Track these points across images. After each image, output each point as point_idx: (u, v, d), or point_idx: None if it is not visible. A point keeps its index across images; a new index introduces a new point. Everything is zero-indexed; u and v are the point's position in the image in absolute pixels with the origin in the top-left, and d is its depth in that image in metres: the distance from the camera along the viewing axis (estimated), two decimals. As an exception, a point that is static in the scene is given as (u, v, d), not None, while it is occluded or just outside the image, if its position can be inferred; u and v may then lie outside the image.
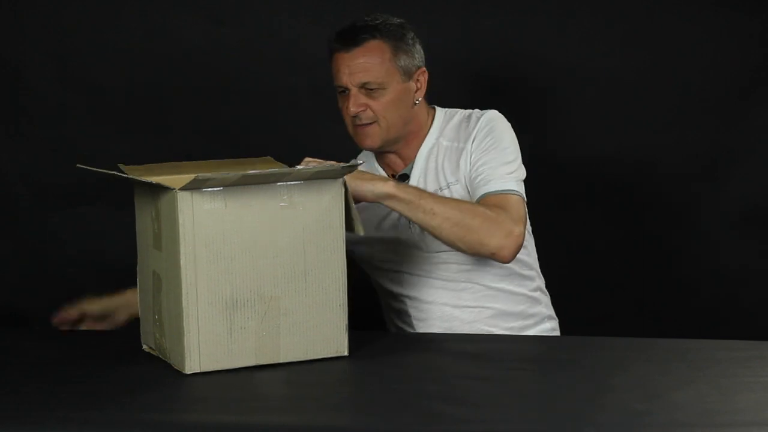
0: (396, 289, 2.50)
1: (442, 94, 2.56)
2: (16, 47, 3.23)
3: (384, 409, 1.77)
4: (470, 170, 2.40)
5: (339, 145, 3.23)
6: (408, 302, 2.49)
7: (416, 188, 2.28)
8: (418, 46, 2.45)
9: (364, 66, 2.37)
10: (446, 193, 2.41)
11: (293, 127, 3.31)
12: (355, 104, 2.38)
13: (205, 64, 3.27)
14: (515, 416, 1.73)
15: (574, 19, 3.22)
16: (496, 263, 2.39)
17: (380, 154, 2.53)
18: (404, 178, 2.46)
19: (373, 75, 2.37)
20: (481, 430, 1.66)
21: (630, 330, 2.39)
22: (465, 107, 2.53)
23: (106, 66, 3.24)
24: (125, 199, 3.35)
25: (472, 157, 2.40)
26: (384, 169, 2.51)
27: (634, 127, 3.26)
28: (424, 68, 2.46)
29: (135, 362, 2.09)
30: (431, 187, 2.42)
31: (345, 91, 2.40)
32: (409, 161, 2.48)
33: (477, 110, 2.48)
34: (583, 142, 3.25)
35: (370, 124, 2.40)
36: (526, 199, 2.37)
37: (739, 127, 3.25)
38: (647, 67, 3.24)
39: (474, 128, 2.42)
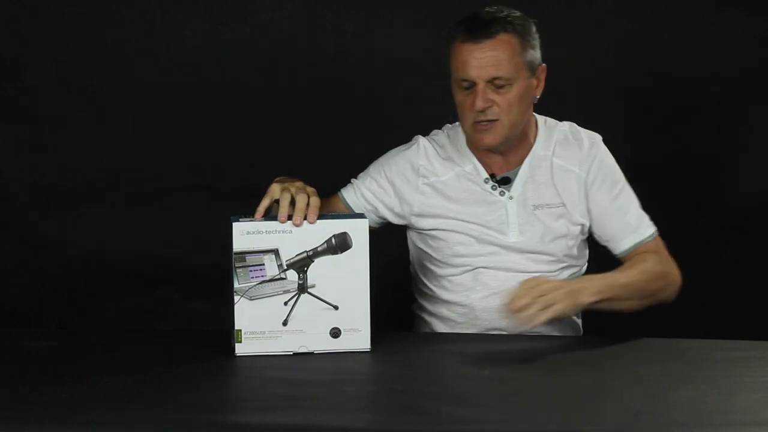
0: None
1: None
2: (16, 47, 3.23)
3: (384, 409, 1.77)
4: (601, 212, 2.42)
5: (337, 144, 3.24)
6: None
7: (606, 282, 2.30)
8: (539, 39, 2.38)
9: (495, 59, 2.28)
10: (544, 212, 2.40)
11: (293, 126, 3.30)
12: (483, 99, 2.29)
13: (205, 64, 3.27)
14: (516, 416, 1.73)
15: (565, 19, 3.21)
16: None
17: (484, 152, 2.43)
18: (506, 181, 2.41)
19: (503, 69, 2.29)
20: (481, 430, 1.66)
21: (631, 330, 2.39)
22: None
23: (106, 66, 3.24)
24: (124, 199, 3.37)
25: (602, 199, 2.42)
26: (484, 168, 2.43)
27: (632, 127, 3.26)
28: (544, 65, 2.40)
29: (133, 362, 2.09)
30: (533, 201, 2.40)
31: (471, 86, 2.32)
32: (513, 165, 2.42)
33: (576, 128, 2.46)
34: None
35: (493, 121, 2.32)
36: None
37: (739, 126, 3.25)
38: (646, 67, 3.23)
39: (591, 162, 2.42)
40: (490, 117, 2.31)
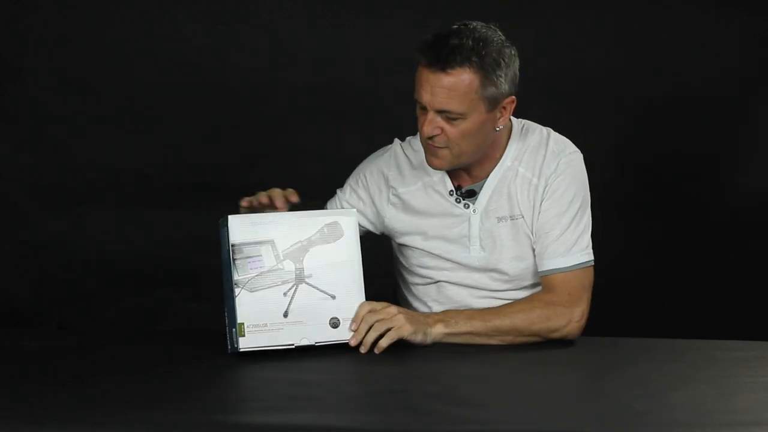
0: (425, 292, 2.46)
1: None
2: (16, 47, 3.24)
3: (384, 409, 1.77)
4: (541, 225, 2.31)
5: (337, 144, 3.24)
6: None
7: (464, 315, 2.22)
8: (513, 70, 2.24)
9: (447, 94, 2.19)
10: (509, 225, 2.32)
11: (293, 126, 3.31)
12: (430, 127, 2.22)
13: (205, 64, 3.27)
14: (515, 416, 1.73)
15: (564, 19, 3.22)
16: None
17: None
18: (471, 193, 2.36)
19: (454, 105, 2.20)
20: (481, 430, 1.66)
21: (630, 330, 2.39)
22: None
23: (106, 66, 3.24)
24: (124, 200, 3.37)
25: (547, 211, 2.31)
26: (450, 180, 2.39)
27: (633, 127, 3.26)
28: (514, 97, 2.26)
29: (133, 362, 2.09)
30: (499, 213, 2.33)
31: (423, 108, 2.24)
32: (479, 179, 2.37)
33: (551, 136, 2.36)
34: (581, 142, 3.25)
35: (442, 147, 2.26)
36: (593, 259, 2.30)
37: (739, 127, 3.25)
38: (647, 67, 3.24)
39: (549, 174, 2.31)
40: (437, 144, 2.26)
